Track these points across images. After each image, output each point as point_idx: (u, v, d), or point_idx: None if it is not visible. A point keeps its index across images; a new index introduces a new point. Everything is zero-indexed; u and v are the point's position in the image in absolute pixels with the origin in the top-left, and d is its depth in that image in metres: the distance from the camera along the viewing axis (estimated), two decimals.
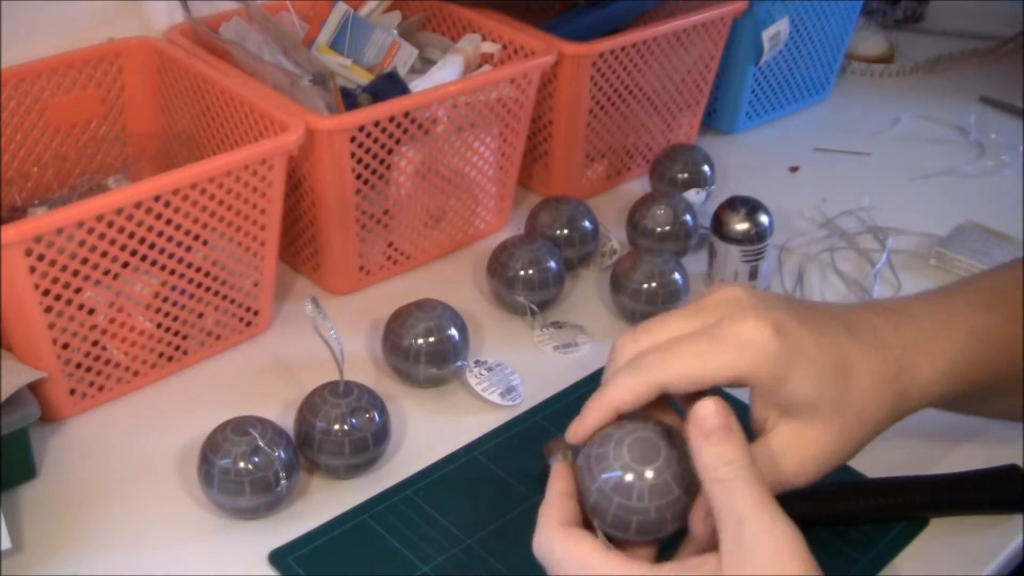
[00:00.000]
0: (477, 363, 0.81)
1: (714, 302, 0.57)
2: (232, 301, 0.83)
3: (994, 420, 0.76)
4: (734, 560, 0.48)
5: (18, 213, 0.86)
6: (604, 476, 0.53)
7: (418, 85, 0.92)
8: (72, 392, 0.76)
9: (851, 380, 0.56)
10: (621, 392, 0.54)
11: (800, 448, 0.55)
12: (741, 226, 0.89)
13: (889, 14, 1.51)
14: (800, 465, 0.55)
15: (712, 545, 0.51)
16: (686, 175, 1.02)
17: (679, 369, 0.53)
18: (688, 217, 0.94)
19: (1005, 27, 1.45)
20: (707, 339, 0.54)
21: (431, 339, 0.78)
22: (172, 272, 0.78)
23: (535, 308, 0.87)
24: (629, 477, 0.52)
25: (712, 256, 0.92)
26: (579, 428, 0.55)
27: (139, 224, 0.74)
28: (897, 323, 0.59)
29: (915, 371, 0.58)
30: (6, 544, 0.64)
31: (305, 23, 1.00)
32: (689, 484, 0.53)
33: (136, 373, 0.80)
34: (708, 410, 0.51)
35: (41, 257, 0.70)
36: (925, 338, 0.59)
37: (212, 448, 0.67)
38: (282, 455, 0.67)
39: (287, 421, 0.72)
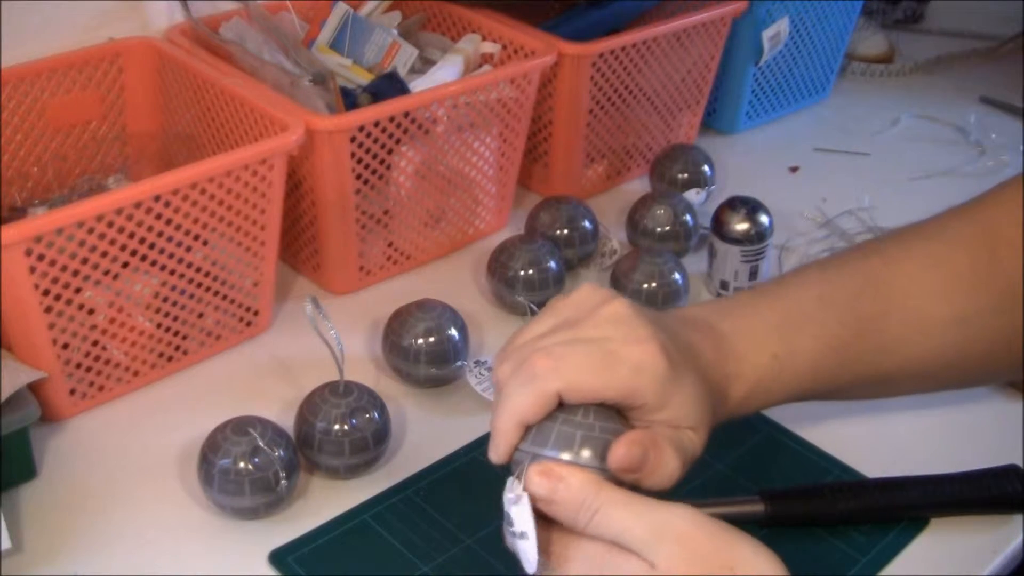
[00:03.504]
0: (477, 363, 0.81)
1: (603, 317, 0.56)
2: (232, 301, 0.83)
3: (994, 420, 0.76)
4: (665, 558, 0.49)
5: (18, 213, 0.86)
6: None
7: (418, 85, 0.92)
8: (72, 392, 0.76)
9: (705, 400, 0.57)
10: (521, 407, 0.54)
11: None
12: (741, 226, 0.89)
13: (889, 14, 1.51)
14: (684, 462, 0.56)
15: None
16: (686, 175, 1.02)
17: (572, 380, 0.53)
18: (688, 217, 0.94)
19: (1005, 27, 1.45)
20: (602, 355, 0.54)
21: (431, 339, 0.78)
22: (172, 272, 0.78)
23: (535, 308, 0.87)
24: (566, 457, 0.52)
25: (712, 256, 0.92)
26: (495, 452, 0.56)
27: (139, 224, 0.74)
28: (715, 343, 0.59)
29: (727, 397, 0.60)
30: (6, 544, 0.64)
31: (305, 23, 1.00)
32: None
33: (136, 373, 0.80)
34: (534, 488, 0.52)
35: (41, 257, 0.70)
36: (735, 363, 0.60)
37: (212, 448, 0.67)
38: (282, 455, 0.67)
39: (287, 421, 0.72)
